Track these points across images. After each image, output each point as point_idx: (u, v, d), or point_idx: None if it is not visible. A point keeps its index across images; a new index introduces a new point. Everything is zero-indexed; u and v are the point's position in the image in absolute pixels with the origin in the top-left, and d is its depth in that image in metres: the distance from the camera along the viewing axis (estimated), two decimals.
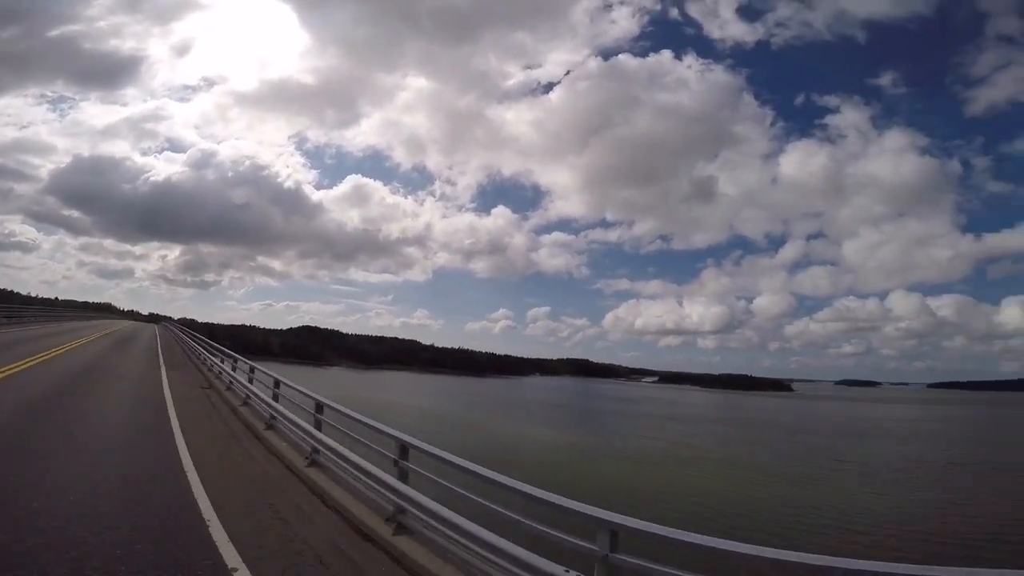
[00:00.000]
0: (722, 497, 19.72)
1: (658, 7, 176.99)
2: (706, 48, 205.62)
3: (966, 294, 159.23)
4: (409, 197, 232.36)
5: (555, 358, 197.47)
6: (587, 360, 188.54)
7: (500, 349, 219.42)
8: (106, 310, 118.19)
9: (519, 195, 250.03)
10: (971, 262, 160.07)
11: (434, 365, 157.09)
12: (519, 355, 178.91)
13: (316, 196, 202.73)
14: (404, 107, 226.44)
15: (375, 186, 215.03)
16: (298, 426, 8.06)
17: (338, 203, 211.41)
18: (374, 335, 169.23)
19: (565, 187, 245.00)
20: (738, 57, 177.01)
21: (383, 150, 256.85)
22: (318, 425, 7.96)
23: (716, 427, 50.50)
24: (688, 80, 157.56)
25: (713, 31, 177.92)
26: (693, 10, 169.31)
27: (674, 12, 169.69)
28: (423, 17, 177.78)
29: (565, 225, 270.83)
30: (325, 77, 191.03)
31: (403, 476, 5.65)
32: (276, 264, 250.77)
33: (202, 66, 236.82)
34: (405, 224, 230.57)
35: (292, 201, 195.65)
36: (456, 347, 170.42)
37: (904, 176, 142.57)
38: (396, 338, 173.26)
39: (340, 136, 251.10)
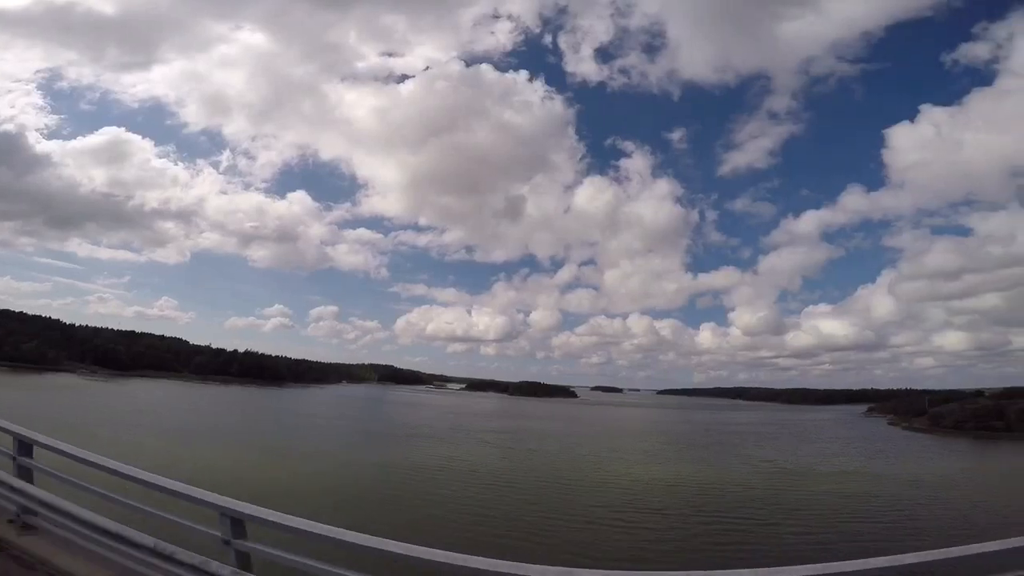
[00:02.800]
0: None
1: (537, 30, 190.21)
2: (558, 78, 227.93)
3: (679, 320, 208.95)
4: (182, 164, 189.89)
5: (356, 363, 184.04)
6: (392, 367, 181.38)
7: (269, 349, 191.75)
8: None
9: (331, 183, 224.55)
10: (687, 295, 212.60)
11: (214, 372, 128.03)
12: (295, 356, 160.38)
13: (44, 146, 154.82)
14: (220, 61, 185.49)
15: (141, 144, 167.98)
16: None
17: (79, 157, 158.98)
18: (124, 330, 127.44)
19: (387, 183, 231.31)
20: (578, 92, 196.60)
21: (169, 104, 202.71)
22: (26, 476, 5.64)
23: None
24: (532, 104, 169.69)
25: (570, 64, 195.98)
26: (563, 41, 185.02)
27: (547, 39, 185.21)
28: None
29: (376, 223, 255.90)
30: (131, 10, 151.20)
31: (243, 561, 4.25)
32: None
33: None
34: (169, 194, 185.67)
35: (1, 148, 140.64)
36: (244, 350, 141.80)
37: (660, 220, 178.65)
38: (154, 335, 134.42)
39: (115, 80, 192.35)
